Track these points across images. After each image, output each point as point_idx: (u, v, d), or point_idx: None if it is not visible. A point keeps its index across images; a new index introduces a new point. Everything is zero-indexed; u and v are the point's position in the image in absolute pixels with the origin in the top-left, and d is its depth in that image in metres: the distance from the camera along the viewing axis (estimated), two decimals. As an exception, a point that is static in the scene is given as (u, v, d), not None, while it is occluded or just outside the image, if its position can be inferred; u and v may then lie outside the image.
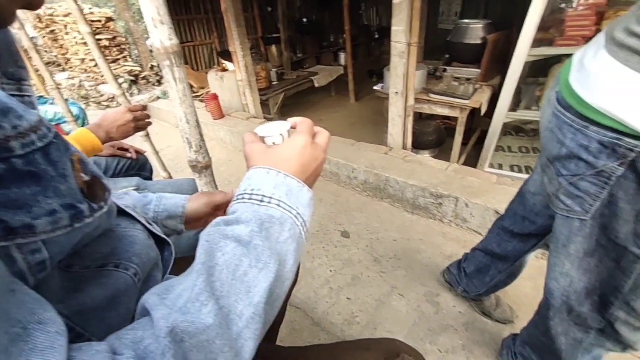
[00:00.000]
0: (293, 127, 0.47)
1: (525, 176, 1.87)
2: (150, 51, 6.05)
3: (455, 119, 2.22)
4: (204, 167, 1.07)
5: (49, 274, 0.29)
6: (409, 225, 1.89)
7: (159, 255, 0.50)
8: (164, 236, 0.53)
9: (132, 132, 1.02)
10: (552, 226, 0.70)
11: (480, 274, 1.22)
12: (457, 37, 2.40)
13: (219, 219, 0.36)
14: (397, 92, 2.07)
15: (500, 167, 2.26)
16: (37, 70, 2.66)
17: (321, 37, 5.93)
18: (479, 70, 2.31)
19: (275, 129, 0.47)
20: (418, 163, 2.04)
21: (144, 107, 1.08)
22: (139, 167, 1.34)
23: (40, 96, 3.07)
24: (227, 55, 3.49)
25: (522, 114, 2.04)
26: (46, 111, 2.93)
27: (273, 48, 4.83)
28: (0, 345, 0.19)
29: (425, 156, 2.23)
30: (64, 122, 2.53)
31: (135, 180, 1.07)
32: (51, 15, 6.26)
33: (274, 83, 3.98)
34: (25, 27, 2.16)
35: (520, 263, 1.08)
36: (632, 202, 0.51)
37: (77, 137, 0.88)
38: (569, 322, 0.70)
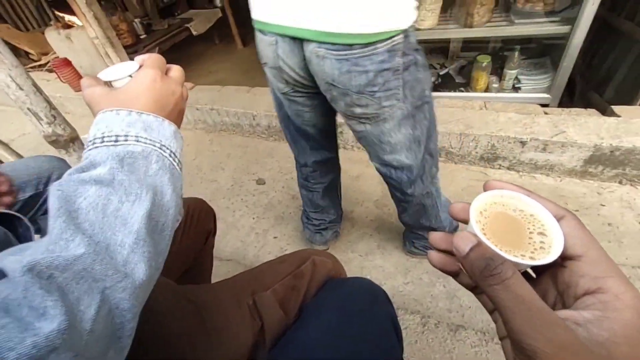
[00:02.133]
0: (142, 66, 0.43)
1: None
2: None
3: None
4: (68, 141, 0.91)
5: None
6: (318, 159, 1.99)
7: (6, 234, 0.44)
8: (8, 211, 0.46)
9: None
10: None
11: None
12: None
13: (71, 169, 0.33)
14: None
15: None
16: None
17: (186, -26, 5.11)
18: None
19: (122, 71, 0.41)
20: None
21: None
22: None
23: None
24: (63, 6, 2.76)
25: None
26: None
27: (128, -7, 4.00)
28: None
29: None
30: None
31: None
32: None
33: (142, 37, 3.40)
34: None
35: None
36: (412, 74, 0.74)
37: None
38: (425, 175, 0.95)
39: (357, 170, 1.84)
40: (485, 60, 1.87)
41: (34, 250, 0.25)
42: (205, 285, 0.76)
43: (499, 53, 2.12)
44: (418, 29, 1.85)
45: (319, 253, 0.62)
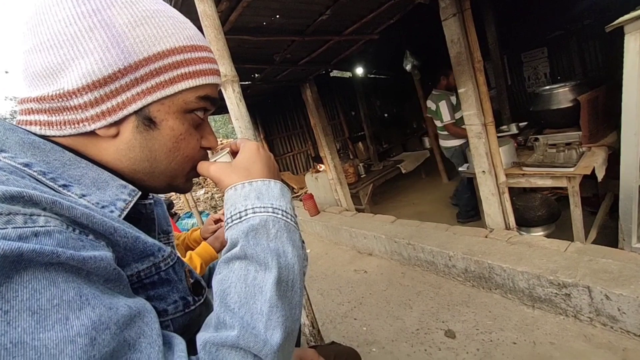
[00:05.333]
0: (233, 150, 0.53)
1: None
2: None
3: (566, 187, 1.93)
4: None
5: None
6: (531, 324, 1.55)
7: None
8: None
9: None
10: None
11: None
12: (541, 106, 2.27)
13: (222, 253, 0.44)
14: (484, 172, 1.99)
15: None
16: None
17: (404, 125, 6.30)
18: (579, 132, 2.06)
19: (220, 154, 0.53)
20: (526, 245, 1.77)
21: None
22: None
23: (187, 212, 4.00)
24: (320, 159, 4.01)
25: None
26: (187, 223, 3.74)
27: (360, 144, 5.33)
28: (163, 346, 0.32)
29: (537, 235, 1.93)
30: (198, 231, 3.21)
31: None
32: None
33: (362, 176, 4.27)
34: None
35: None
36: None
37: (199, 250, 1.14)
38: None
39: None
40: None
41: (206, 330, 0.37)
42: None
43: None
44: None
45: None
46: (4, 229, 0.26)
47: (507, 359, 1.41)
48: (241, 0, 1.52)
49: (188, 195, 2.98)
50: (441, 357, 1.53)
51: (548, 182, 1.96)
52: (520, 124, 3.03)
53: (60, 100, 0.36)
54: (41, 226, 0.28)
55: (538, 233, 2.12)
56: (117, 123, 0.38)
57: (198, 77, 0.41)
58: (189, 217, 3.97)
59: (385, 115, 6.37)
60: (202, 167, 0.47)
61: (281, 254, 0.40)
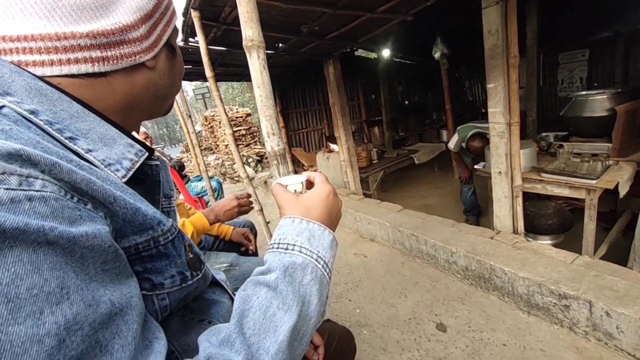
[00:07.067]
0: (310, 181, 0.56)
1: None
2: (275, 137, 7.38)
3: (583, 199, 1.87)
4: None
5: (170, 318, 0.45)
6: (524, 329, 1.56)
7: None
8: None
9: (235, 215, 1.25)
10: None
11: None
12: (574, 111, 2.16)
13: (256, 270, 0.45)
14: (500, 172, 1.93)
15: (664, 264, 1.71)
16: (196, 155, 3.58)
17: (423, 115, 6.13)
18: (609, 144, 1.97)
19: (296, 180, 0.56)
20: (532, 251, 1.74)
21: (249, 195, 1.32)
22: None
23: (197, 176, 4.05)
24: (333, 139, 3.97)
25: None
26: (196, 186, 3.81)
27: (376, 129, 5.23)
28: (136, 351, 0.31)
29: (544, 244, 1.90)
30: (206, 194, 3.25)
31: (231, 257, 1.27)
32: (212, 116, 8.52)
33: (374, 162, 4.22)
34: (193, 124, 3.03)
35: None
36: None
37: (193, 219, 1.16)
38: None
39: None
40: None
41: (214, 341, 0.37)
42: None
43: None
44: None
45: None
46: None
47: (495, 359, 1.43)
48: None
49: (199, 159, 3.00)
50: (429, 348, 1.55)
51: (565, 192, 1.91)
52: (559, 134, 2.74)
53: (120, 33, 0.37)
54: (37, 190, 0.26)
55: (546, 241, 2.09)
56: (157, 54, 0.42)
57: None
58: (199, 180, 4.02)
59: (406, 102, 6.20)
60: (275, 189, 0.52)
61: (306, 303, 0.41)
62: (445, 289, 1.95)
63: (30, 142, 0.29)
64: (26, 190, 0.26)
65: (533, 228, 2.13)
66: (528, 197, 2.26)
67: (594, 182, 1.74)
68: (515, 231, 2.01)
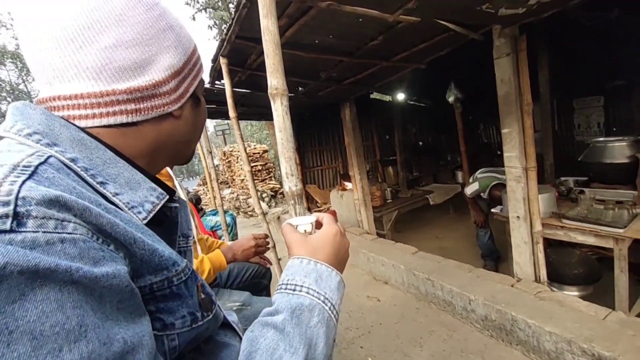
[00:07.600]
0: (319, 222, 0.57)
1: None
2: (290, 173, 7.54)
3: (611, 249, 1.78)
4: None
5: (180, 358, 0.45)
6: (554, 391, 1.42)
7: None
8: None
9: (252, 255, 1.26)
10: None
11: None
12: (593, 157, 2.14)
13: (264, 310, 0.45)
14: (518, 217, 1.89)
15: None
16: (213, 189, 3.66)
17: (437, 156, 6.16)
18: (634, 192, 1.92)
19: (305, 220, 0.57)
20: (557, 303, 1.64)
21: (266, 236, 1.33)
22: (262, 276, 1.57)
23: (213, 210, 4.11)
24: (347, 177, 4.01)
25: None
26: (211, 220, 3.85)
27: (390, 169, 5.27)
28: None
29: (570, 295, 1.79)
30: (220, 228, 3.28)
31: (244, 296, 1.25)
32: (231, 152, 8.85)
33: (388, 201, 4.20)
34: (212, 159, 3.14)
35: None
36: None
37: (212, 256, 1.17)
38: None
39: None
40: None
41: None
42: None
43: None
44: None
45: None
46: (36, 232, 0.27)
47: None
48: (300, 18, 1.60)
49: (216, 192, 3.07)
50: (448, 408, 1.43)
51: (590, 240, 1.83)
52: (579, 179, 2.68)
53: (152, 89, 0.42)
54: (69, 233, 0.29)
55: (572, 292, 1.96)
56: (183, 105, 0.46)
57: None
58: (214, 214, 4.08)
59: (420, 143, 6.28)
60: (284, 229, 0.54)
61: (312, 346, 0.41)
62: (463, 340, 1.83)
63: (67, 188, 0.32)
64: (60, 232, 0.28)
65: (557, 277, 2.01)
66: (550, 244, 2.17)
67: (621, 230, 1.67)
68: (537, 279, 1.91)
